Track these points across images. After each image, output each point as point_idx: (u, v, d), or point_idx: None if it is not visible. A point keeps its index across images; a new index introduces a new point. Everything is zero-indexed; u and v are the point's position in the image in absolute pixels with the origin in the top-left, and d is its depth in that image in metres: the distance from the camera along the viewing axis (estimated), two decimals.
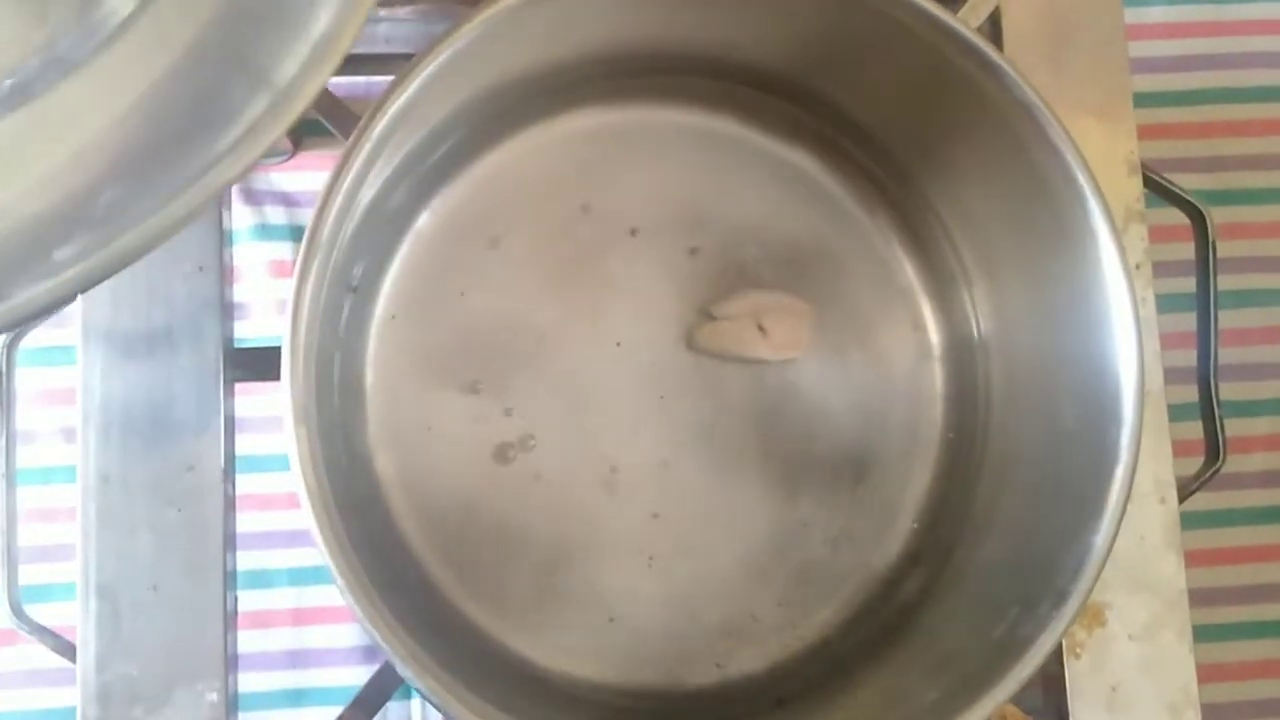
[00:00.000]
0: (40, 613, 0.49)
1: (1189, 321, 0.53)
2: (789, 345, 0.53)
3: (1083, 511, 0.43)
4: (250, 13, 0.25)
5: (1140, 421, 0.43)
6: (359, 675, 0.61)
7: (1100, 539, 0.42)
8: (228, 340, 0.50)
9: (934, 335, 0.54)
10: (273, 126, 0.24)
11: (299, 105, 0.25)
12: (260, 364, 0.51)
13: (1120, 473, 0.43)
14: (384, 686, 0.48)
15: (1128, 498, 0.42)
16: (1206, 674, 0.51)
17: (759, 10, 0.48)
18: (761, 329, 0.52)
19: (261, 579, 0.61)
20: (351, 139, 0.42)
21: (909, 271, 0.54)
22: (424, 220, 0.52)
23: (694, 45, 0.51)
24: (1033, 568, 0.45)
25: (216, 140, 0.24)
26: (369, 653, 0.63)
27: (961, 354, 0.53)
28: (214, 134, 0.24)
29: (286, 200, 0.68)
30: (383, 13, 0.54)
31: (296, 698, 0.61)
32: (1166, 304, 0.53)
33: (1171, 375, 0.52)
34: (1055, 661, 0.49)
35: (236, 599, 0.50)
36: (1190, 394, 0.52)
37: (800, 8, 0.47)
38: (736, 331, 0.52)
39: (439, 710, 0.40)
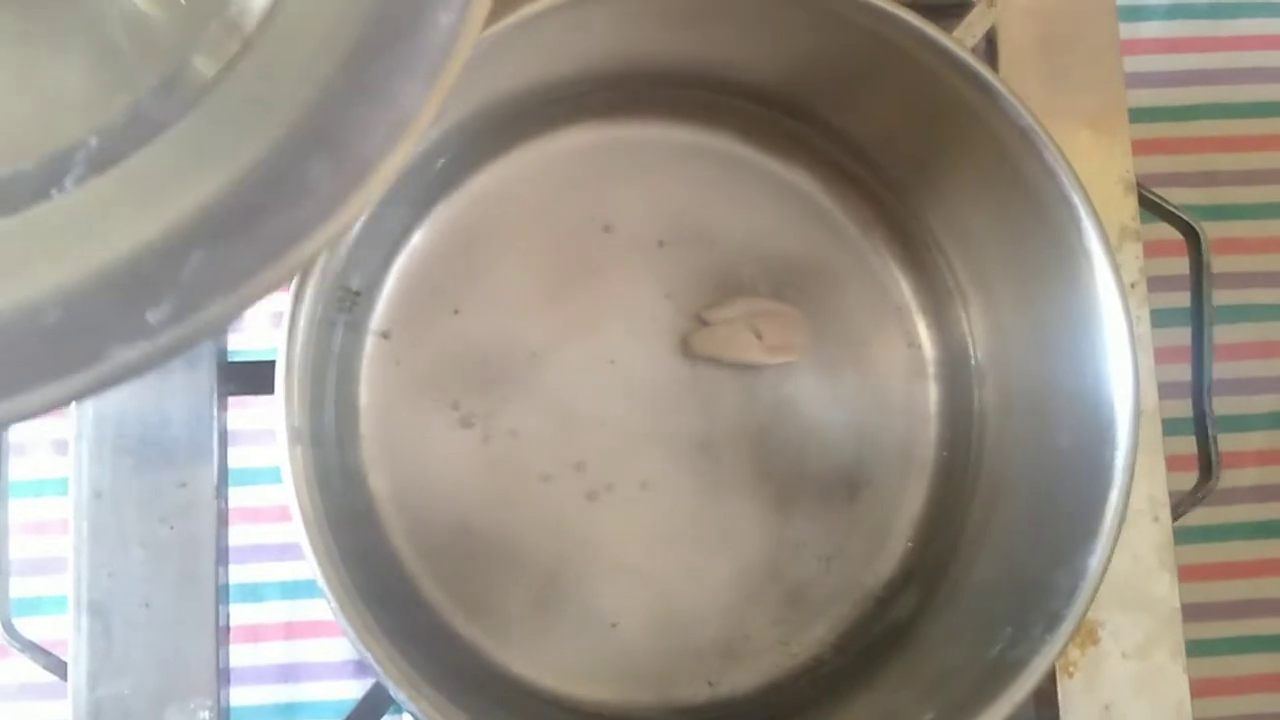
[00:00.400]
0: (31, 625, 0.49)
1: (1183, 336, 0.52)
2: (783, 349, 0.53)
3: (1077, 534, 0.43)
4: (336, 89, 0.25)
5: (1135, 447, 0.43)
6: (352, 689, 0.61)
7: (1095, 562, 0.42)
8: (221, 354, 0.50)
9: (929, 353, 0.54)
10: (354, 204, 0.24)
11: (382, 183, 0.24)
12: (254, 378, 0.50)
13: (1115, 497, 0.42)
14: (378, 704, 0.48)
15: (1122, 522, 0.42)
16: (1200, 689, 0.51)
17: (756, 29, 0.48)
18: (756, 333, 0.52)
19: (253, 592, 0.61)
20: None
21: (904, 289, 0.54)
22: (419, 237, 0.51)
23: (690, 63, 0.51)
24: (1027, 589, 0.45)
25: (297, 213, 0.24)
26: (362, 667, 0.62)
27: (956, 372, 0.53)
28: (295, 207, 0.24)
29: None
30: None
31: (289, 712, 0.60)
32: (1161, 318, 0.53)
33: (1165, 390, 0.52)
34: (1048, 680, 0.49)
35: (228, 614, 0.49)
36: (1184, 408, 0.52)
37: (797, 27, 0.47)
38: (731, 335, 0.52)
39: None
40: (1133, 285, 0.51)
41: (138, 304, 0.24)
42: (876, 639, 0.51)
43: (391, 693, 0.40)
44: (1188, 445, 0.52)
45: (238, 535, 0.59)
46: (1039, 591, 0.44)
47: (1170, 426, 0.52)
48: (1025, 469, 0.49)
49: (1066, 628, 0.42)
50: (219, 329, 0.24)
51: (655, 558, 0.51)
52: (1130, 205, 0.53)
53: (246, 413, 0.57)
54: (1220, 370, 0.54)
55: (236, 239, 0.24)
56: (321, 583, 0.40)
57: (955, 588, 0.50)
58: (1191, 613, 0.51)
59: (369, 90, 0.25)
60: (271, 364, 0.41)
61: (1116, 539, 0.42)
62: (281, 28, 0.25)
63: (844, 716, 0.48)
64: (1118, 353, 0.44)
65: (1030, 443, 0.49)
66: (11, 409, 0.23)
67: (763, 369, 0.53)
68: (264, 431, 0.61)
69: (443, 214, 0.52)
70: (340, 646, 0.62)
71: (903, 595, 0.52)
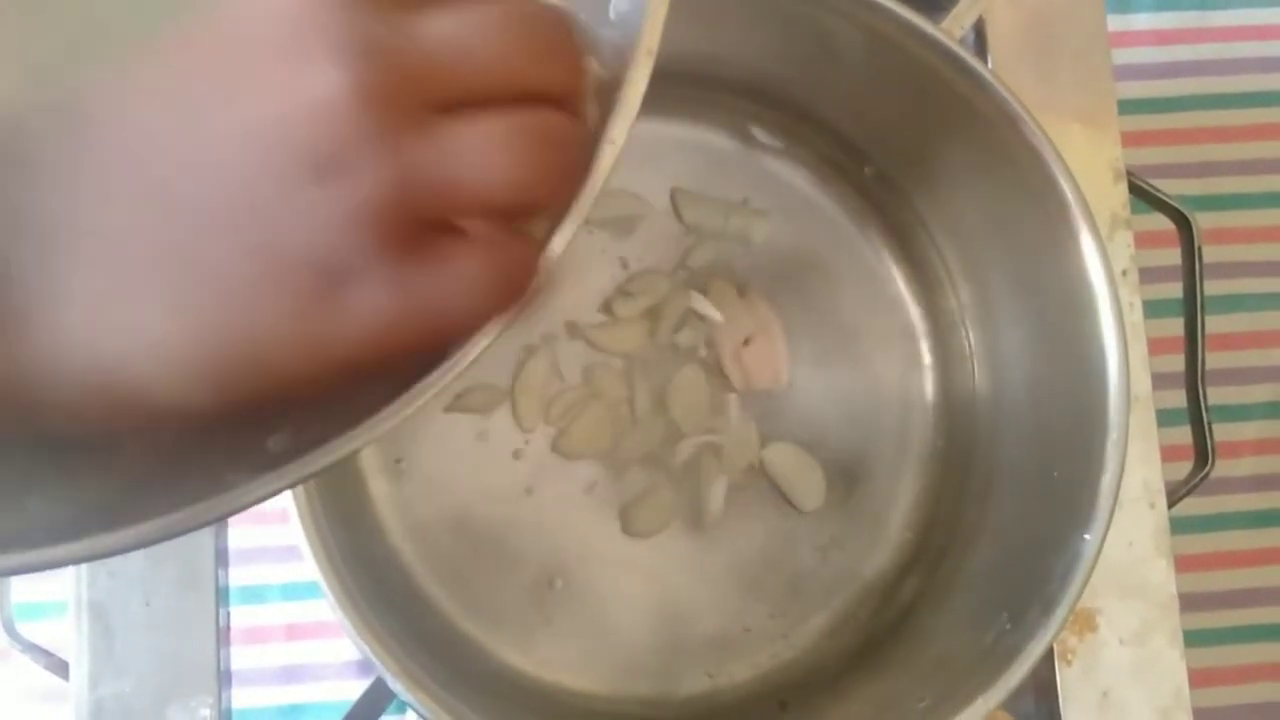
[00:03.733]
0: (33, 630, 0.49)
1: (1179, 327, 0.53)
2: (746, 385, 0.53)
3: (1071, 519, 0.43)
4: None
5: (1126, 431, 0.43)
6: (353, 690, 0.61)
7: (1088, 546, 0.42)
8: None
9: (923, 344, 0.54)
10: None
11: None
12: None
13: (1107, 480, 0.43)
14: (377, 701, 0.48)
15: (1114, 505, 0.43)
16: (1198, 679, 0.51)
17: (744, 23, 0.48)
18: (745, 345, 0.52)
19: (255, 595, 0.61)
20: None
21: (898, 281, 0.54)
22: None
23: (678, 57, 0.51)
24: (1022, 575, 0.45)
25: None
26: (363, 667, 0.63)
27: (950, 362, 0.54)
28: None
29: None
30: None
31: (291, 713, 0.60)
32: (1156, 309, 0.53)
33: (1161, 380, 0.52)
34: (1047, 667, 0.50)
35: (229, 615, 0.50)
36: (1181, 399, 0.53)
37: (785, 21, 0.47)
38: (723, 344, 0.53)
39: None
40: (1124, 273, 0.52)
41: (260, 429, 0.24)
42: (874, 628, 0.51)
43: (391, 686, 0.40)
44: (1184, 436, 0.53)
45: (240, 538, 0.59)
46: (1034, 577, 0.44)
47: (1167, 417, 0.52)
48: (1020, 455, 0.49)
49: (1061, 612, 0.42)
50: (338, 460, 0.23)
51: (654, 551, 0.51)
52: (1120, 193, 0.53)
53: None
54: (1216, 360, 0.54)
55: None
56: (321, 581, 0.40)
57: (952, 576, 0.50)
58: (1190, 603, 0.51)
59: None
60: None
61: (1109, 522, 0.43)
62: None
63: (842, 705, 0.48)
64: (1108, 338, 0.44)
65: (1024, 429, 0.49)
66: (128, 538, 0.22)
67: None
68: None
69: None
70: (342, 647, 0.61)
71: (901, 584, 0.52)
